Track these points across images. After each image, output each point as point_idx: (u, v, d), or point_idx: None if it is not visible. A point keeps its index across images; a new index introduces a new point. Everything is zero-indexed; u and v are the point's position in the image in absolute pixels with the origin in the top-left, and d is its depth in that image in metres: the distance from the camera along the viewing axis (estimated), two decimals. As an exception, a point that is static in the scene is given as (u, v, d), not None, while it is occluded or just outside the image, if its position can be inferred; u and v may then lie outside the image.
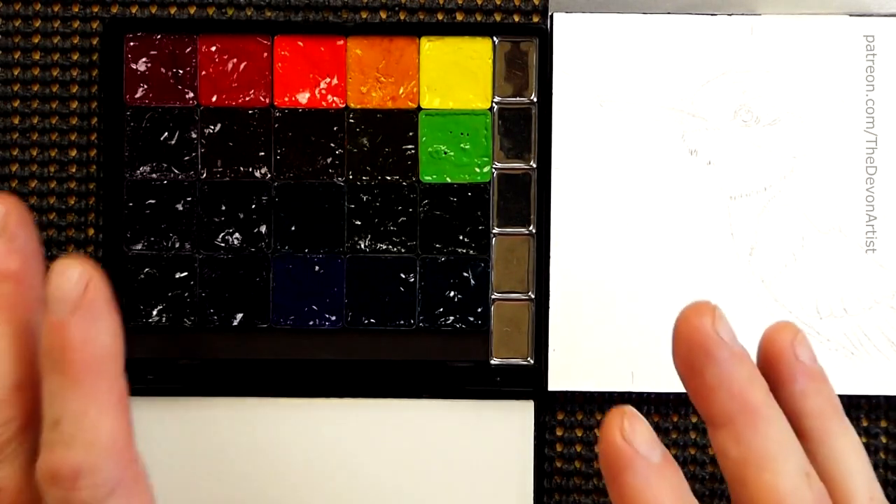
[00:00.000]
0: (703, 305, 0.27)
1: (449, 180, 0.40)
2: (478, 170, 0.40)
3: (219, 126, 0.39)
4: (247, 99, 0.39)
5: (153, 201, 0.39)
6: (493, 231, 0.40)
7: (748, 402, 0.27)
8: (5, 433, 0.27)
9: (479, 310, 0.39)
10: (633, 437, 0.26)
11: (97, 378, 0.26)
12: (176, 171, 0.39)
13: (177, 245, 0.39)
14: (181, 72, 0.39)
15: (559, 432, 0.40)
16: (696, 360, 0.27)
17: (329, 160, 0.39)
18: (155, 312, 0.39)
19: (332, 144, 0.40)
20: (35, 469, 0.26)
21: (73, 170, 0.40)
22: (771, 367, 0.28)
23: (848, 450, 0.28)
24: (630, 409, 0.27)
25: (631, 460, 0.26)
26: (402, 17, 0.40)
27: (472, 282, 0.39)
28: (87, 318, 0.26)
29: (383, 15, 0.41)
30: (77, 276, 0.26)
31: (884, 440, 0.40)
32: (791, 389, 0.28)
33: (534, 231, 0.40)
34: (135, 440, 0.27)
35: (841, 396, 0.40)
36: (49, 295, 0.26)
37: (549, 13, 0.40)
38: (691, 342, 0.27)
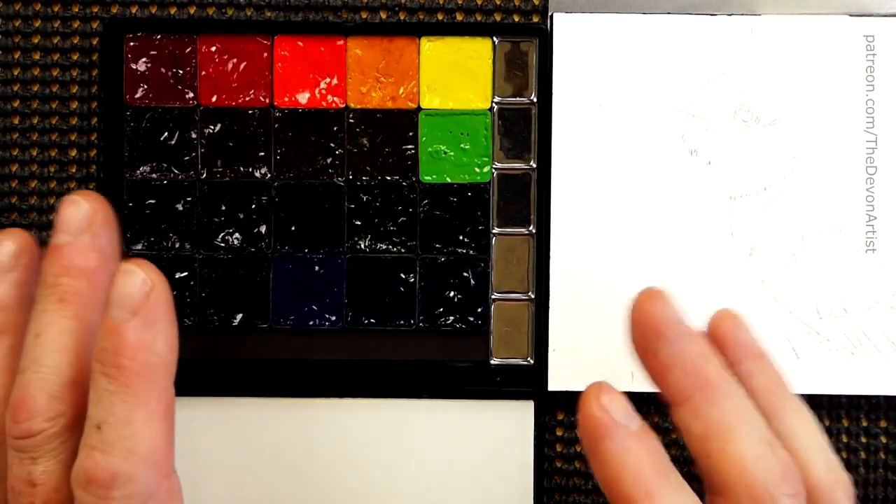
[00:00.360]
0: (653, 291, 0.28)
1: (449, 180, 0.40)
2: (478, 170, 0.40)
3: (219, 126, 0.39)
4: (247, 99, 0.40)
5: (153, 201, 0.39)
6: (493, 231, 0.40)
7: (703, 376, 0.27)
8: (52, 428, 0.27)
9: (479, 310, 0.39)
10: (609, 406, 0.27)
11: (147, 385, 0.26)
12: (176, 171, 0.39)
13: (177, 245, 0.39)
14: (181, 72, 0.39)
15: (559, 432, 0.40)
16: (649, 342, 0.28)
17: (329, 160, 0.39)
18: (155, 312, 0.39)
19: (332, 144, 0.40)
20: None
21: (73, 170, 0.40)
22: (717, 353, 0.29)
23: (800, 424, 0.29)
24: (606, 383, 0.28)
25: (609, 429, 0.27)
26: (402, 17, 0.40)
27: (472, 282, 0.39)
28: (146, 324, 0.26)
29: (383, 15, 0.41)
30: (141, 280, 0.26)
31: (884, 440, 0.40)
32: (737, 371, 0.29)
33: (534, 231, 0.40)
34: (174, 455, 0.27)
35: (841, 396, 0.40)
36: (112, 295, 0.26)
37: (549, 13, 0.40)
38: (644, 326, 0.28)
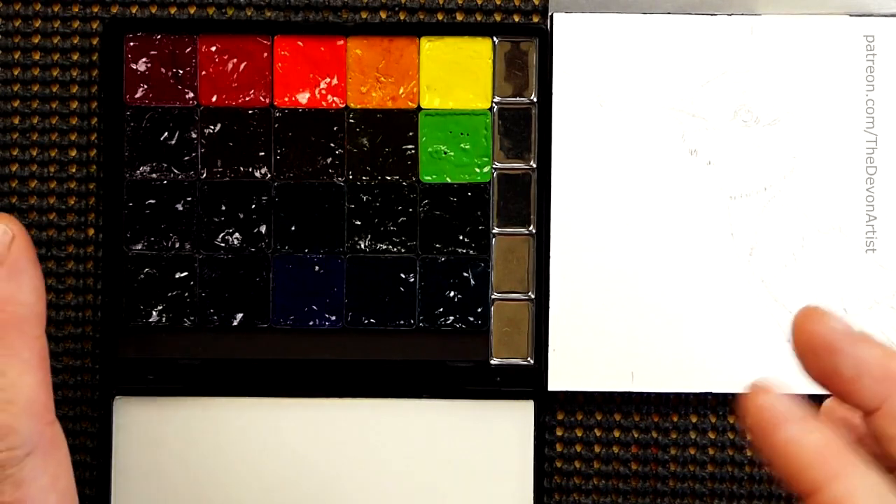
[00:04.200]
0: (811, 310, 0.27)
1: (449, 180, 0.40)
2: (478, 170, 0.40)
3: (219, 126, 0.39)
4: (247, 99, 0.39)
5: (153, 201, 0.39)
6: (493, 231, 0.40)
7: (894, 376, 0.26)
8: None
9: (479, 310, 0.39)
10: (776, 400, 0.26)
11: (18, 336, 0.26)
12: (176, 171, 0.39)
13: (177, 245, 0.39)
14: (181, 72, 0.39)
15: (559, 432, 0.40)
16: (826, 363, 0.26)
17: (329, 160, 0.39)
18: (155, 312, 0.39)
19: (332, 144, 0.40)
20: None
21: (73, 170, 0.40)
22: None
23: None
24: (763, 381, 0.26)
25: (782, 416, 0.25)
26: (402, 17, 0.40)
27: (472, 282, 0.39)
28: (10, 274, 0.26)
29: (383, 15, 0.41)
30: (2, 231, 0.26)
31: (884, 440, 0.40)
32: None
33: (534, 231, 0.40)
34: (53, 402, 0.27)
35: (841, 396, 0.40)
36: None
37: (549, 13, 0.40)
38: (814, 349, 0.26)
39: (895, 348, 0.27)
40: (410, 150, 0.40)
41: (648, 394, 0.40)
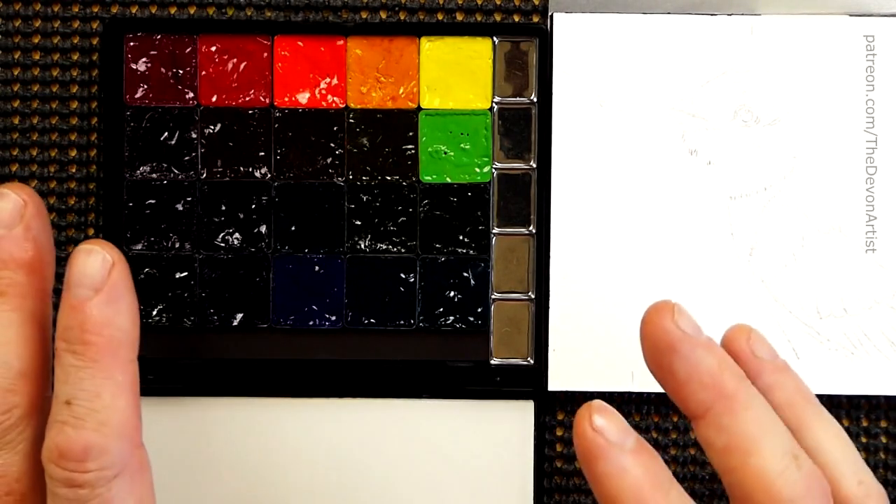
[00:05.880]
0: (662, 304, 0.27)
1: (449, 180, 0.40)
2: (478, 170, 0.40)
3: (219, 126, 0.39)
4: (247, 99, 0.39)
5: (153, 201, 0.39)
6: (493, 231, 0.40)
7: (721, 388, 0.27)
8: (8, 420, 0.27)
9: (479, 310, 0.39)
10: (603, 427, 0.27)
11: (113, 360, 0.27)
12: (176, 171, 0.39)
13: (177, 245, 0.39)
14: (181, 72, 0.39)
15: (559, 432, 0.40)
16: (663, 358, 0.27)
17: (329, 160, 0.39)
18: (155, 312, 0.39)
19: (332, 144, 0.40)
20: (39, 453, 0.27)
21: (73, 170, 0.40)
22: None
23: (829, 436, 0.28)
24: (597, 402, 0.27)
25: (603, 450, 0.26)
26: (402, 17, 0.40)
27: (472, 282, 0.39)
28: (109, 300, 0.27)
29: (383, 15, 0.41)
30: (102, 258, 0.27)
31: (884, 440, 0.40)
32: (759, 385, 0.28)
33: (534, 231, 0.40)
34: (141, 426, 0.28)
35: (841, 396, 0.40)
36: (72, 276, 0.27)
37: (549, 13, 0.40)
38: (656, 342, 0.27)
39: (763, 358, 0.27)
40: (410, 150, 0.40)
41: (648, 394, 0.40)
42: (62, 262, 0.40)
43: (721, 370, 0.27)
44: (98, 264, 0.27)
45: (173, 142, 0.39)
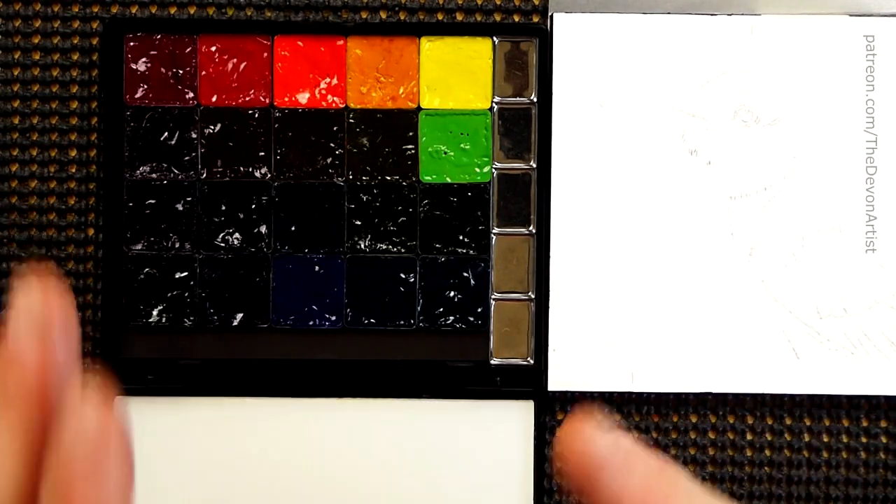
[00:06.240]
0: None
1: (449, 180, 0.40)
2: (478, 170, 0.40)
3: (219, 126, 0.39)
4: (247, 99, 0.39)
5: (153, 201, 0.39)
6: (493, 231, 0.40)
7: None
8: None
9: (479, 310, 0.39)
10: (593, 437, 0.26)
11: None
12: (176, 171, 0.39)
13: (177, 245, 0.39)
14: (181, 72, 0.39)
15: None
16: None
17: (329, 160, 0.39)
18: (155, 312, 0.39)
19: (332, 144, 0.40)
20: None
21: (73, 170, 0.40)
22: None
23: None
24: (574, 417, 0.26)
25: (602, 460, 0.25)
26: (402, 17, 0.40)
27: (472, 282, 0.39)
28: (98, 472, 0.25)
29: (383, 15, 0.41)
30: (97, 421, 0.25)
31: (884, 440, 0.40)
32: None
33: (534, 231, 0.40)
34: None
35: (841, 396, 0.40)
36: (70, 430, 0.25)
37: (549, 13, 0.40)
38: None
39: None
40: (410, 150, 0.40)
41: (648, 394, 0.40)
42: (62, 262, 0.40)
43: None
44: (95, 424, 0.25)
45: (173, 142, 0.39)
